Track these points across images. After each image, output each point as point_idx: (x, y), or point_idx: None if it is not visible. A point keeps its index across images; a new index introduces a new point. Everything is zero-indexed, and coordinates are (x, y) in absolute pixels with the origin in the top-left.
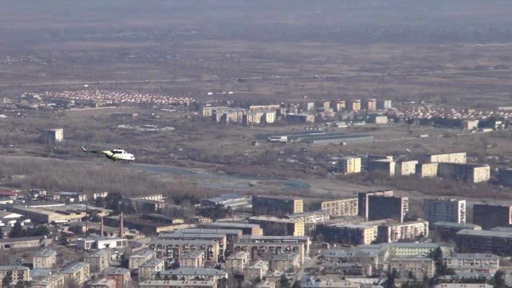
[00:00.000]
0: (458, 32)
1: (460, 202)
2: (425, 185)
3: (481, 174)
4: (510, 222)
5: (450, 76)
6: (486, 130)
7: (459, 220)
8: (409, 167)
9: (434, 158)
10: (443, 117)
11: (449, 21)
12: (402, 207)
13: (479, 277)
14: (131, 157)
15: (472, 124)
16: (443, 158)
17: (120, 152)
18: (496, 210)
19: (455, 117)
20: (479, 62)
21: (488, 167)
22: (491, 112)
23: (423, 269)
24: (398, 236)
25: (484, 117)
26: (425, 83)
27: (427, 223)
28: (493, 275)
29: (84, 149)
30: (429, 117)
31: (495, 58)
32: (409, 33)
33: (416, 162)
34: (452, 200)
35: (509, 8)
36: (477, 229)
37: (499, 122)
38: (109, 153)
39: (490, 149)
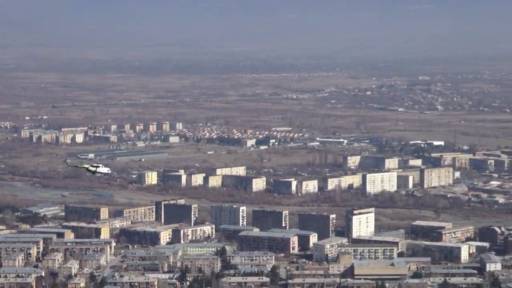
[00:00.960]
0: (237, 65)
1: (241, 208)
2: (211, 194)
3: (258, 184)
4: (283, 224)
5: (232, 102)
6: (262, 147)
7: (241, 223)
8: (198, 179)
9: (219, 171)
10: (226, 136)
11: (230, 55)
12: (193, 213)
13: (258, 271)
14: (108, 170)
15: (250, 142)
16: (226, 171)
17: (99, 166)
18: (271, 214)
19: (236, 136)
20: (256, 90)
21: (264, 178)
22: (266, 132)
23: (211, 265)
24: (189, 237)
25: (260, 136)
26: (210, 108)
27: (213, 226)
28: (269, 269)
29: (68, 164)
30: (214, 137)
31: (269, 86)
32: (196, 66)
33: (204, 174)
34: (234, 206)
35: (279, 45)
36: (256, 231)
37: (273, 140)
38: (90, 168)
39: (265, 163)
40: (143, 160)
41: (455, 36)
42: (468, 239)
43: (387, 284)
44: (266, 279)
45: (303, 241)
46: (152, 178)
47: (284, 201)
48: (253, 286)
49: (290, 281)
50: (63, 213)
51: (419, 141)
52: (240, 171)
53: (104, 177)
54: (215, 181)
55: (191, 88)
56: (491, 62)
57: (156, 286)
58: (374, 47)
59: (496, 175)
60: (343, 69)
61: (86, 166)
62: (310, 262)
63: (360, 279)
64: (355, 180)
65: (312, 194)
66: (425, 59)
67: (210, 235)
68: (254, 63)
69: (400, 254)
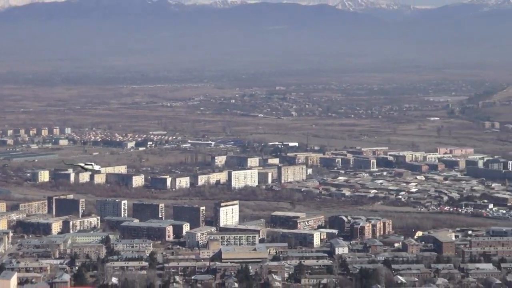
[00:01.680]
0: (118, 77)
1: (123, 202)
2: (97, 189)
3: (138, 181)
4: (160, 216)
5: (114, 109)
6: (141, 148)
7: (123, 215)
8: (85, 177)
9: (103, 170)
10: (109, 139)
11: (112, 69)
12: (80, 206)
13: (138, 256)
14: (99, 168)
15: (130, 144)
16: (110, 169)
17: (91, 164)
18: (149, 207)
19: (118, 139)
20: (135, 99)
21: (143, 176)
22: (144, 135)
23: (97, 251)
24: (78, 227)
25: (139, 139)
26: (95, 114)
27: (99, 217)
28: (148, 255)
29: (65, 162)
30: (99, 140)
31: (146, 96)
32: (82, 78)
33: (90, 173)
34: (117, 200)
35: (154, 60)
36: (136, 221)
37: (150, 143)
38: (83, 165)
39: (144, 162)
40: (36, 160)
41: (307, 52)
42: (319, 226)
43: (250, 266)
44: (145, 263)
45: (177, 230)
46: (44, 176)
47: (160, 195)
48: (133, 270)
49: (166, 265)
50: None
51: (277, 143)
52: (122, 169)
53: (1, 176)
54: (100, 179)
55: (78, 97)
56: (338, 74)
57: (48, 270)
58: (237, 61)
59: (343, 172)
60: (210, 80)
61: (81, 164)
62: (183, 248)
63: (227, 262)
64: (222, 176)
65: (184, 189)
66: (281, 72)
67: (96, 226)
68: (133, 75)
69: (261, 241)
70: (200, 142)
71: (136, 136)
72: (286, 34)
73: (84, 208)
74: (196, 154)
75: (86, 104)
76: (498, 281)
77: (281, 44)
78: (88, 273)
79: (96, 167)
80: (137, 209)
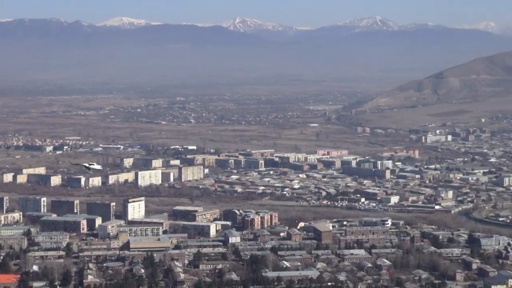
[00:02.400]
0: (38, 89)
1: (42, 199)
2: (19, 188)
3: (55, 180)
4: (75, 211)
5: (34, 118)
6: (58, 152)
7: (42, 210)
8: (8, 177)
9: (25, 171)
10: (30, 144)
11: (33, 82)
12: (4, 203)
13: (56, 246)
14: (100, 167)
15: (49, 148)
16: (30, 171)
17: (93, 164)
18: (66, 203)
19: (38, 144)
20: (52, 108)
21: (60, 176)
22: (61, 140)
23: (19, 243)
24: (2, 222)
25: (57, 144)
26: (18, 122)
27: (21, 213)
28: (65, 245)
29: (71, 162)
30: (21, 144)
31: (63, 105)
32: (6, 90)
33: (13, 173)
34: (37, 197)
35: (70, 74)
36: (54, 216)
37: (67, 147)
38: (87, 165)
39: (61, 164)
40: None
41: (203, 67)
42: (215, 219)
43: (155, 254)
44: (62, 253)
45: (91, 223)
46: None
47: (75, 193)
48: (52, 258)
49: (81, 254)
50: None
51: (178, 146)
52: (41, 170)
53: None
54: (22, 179)
55: (2, 107)
56: (230, 87)
57: None
58: (142, 75)
59: (235, 171)
60: (119, 92)
61: (86, 164)
62: (96, 239)
63: (135, 251)
64: (129, 176)
65: (97, 187)
66: (181, 85)
67: (19, 220)
68: (51, 88)
69: (165, 232)
70: (110, 146)
71: (54, 141)
72: (185, 52)
73: (8, 205)
74: (107, 157)
75: (9, 113)
76: (369, 265)
77: (181, 61)
78: (11, 262)
79: (97, 167)
80: (55, 205)
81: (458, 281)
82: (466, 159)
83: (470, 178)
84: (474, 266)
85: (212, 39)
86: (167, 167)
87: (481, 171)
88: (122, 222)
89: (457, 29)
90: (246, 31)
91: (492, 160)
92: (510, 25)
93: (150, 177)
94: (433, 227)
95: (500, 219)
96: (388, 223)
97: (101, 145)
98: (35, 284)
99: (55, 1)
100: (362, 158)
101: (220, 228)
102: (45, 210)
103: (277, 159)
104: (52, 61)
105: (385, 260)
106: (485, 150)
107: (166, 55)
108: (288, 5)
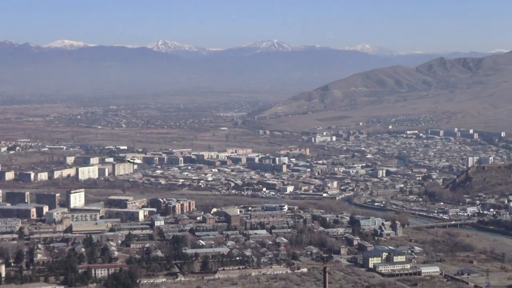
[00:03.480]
0: None
1: (0, 191)
2: None
3: (9, 175)
4: (26, 201)
5: None
6: (11, 152)
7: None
8: None
9: None
10: None
11: None
12: None
13: (10, 230)
14: (140, 161)
15: (3, 149)
16: None
17: (135, 159)
18: (18, 194)
19: None
20: (6, 116)
21: (13, 172)
22: (14, 142)
23: None
24: None
25: (10, 145)
26: None
27: None
28: (17, 229)
29: (115, 157)
30: None
31: (15, 113)
32: None
33: None
34: None
35: (20, 87)
36: (8, 205)
37: (18, 148)
38: (129, 159)
39: (14, 162)
40: None
41: (132, 81)
42: (143, 206)
43: (93, 236)
44: (15, 236)
45: (39, 211)
46: None
47: (26, 186)
48: (7, 241)
49: (31, 236)
50: None
51: (111, 146)
52: None
53: None
54: None
55: None
56: (154, 97)
57: None
58: (82, 88)
59: (159, 167)
60: (62, 102)
61: (128, 158)
62: (44, 224)
63: (76, 233)
64: (71, 171)
65: (44, 181)
66: (113, 96)
67: None
68: (5, 98)
69: (101, 217)
70: (55, 147)
71: (8, 143)
72: (117, 69)
73: None
74: (52, 156)
75: None
76: (270, 242)
77: (113, 76)
78: None
79: (138, 161)
80: (9, 196)
81: (342, 255)
82: (347, 155)
83: (351, 171)
84: (355, 243)
85: (139, 58)
86: (103, 163)
87: (360, 165)
88: (65, 209)
89: (339, 50)
90: (167, 51)
91: (369, 156)
92: (382, 47)
93: (88, 172)
94: (322, 211)
95: (375, 204)
96: (285, 208)
97: (47, 146)
98: None
99: (8, 26)
100: (263, 155)
101: (147, 213)
102: (1, 200)
103: (193, 156)
104: (5, 76)
105: (283, 238)
106: (363, 148)
107: (101, 71)
108: (201, 30)
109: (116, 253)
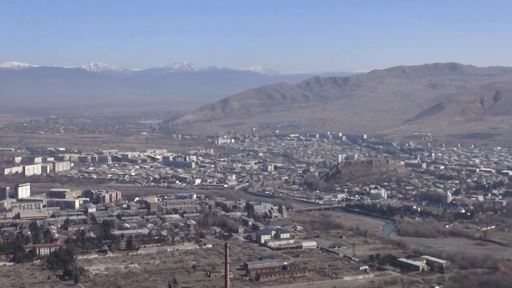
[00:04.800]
0: None
1: None
2: None
3: None
4: None
5: None
6: None
7: None
8: None
9: None
10: None
11: None
12: None
13: None
14: (160, 157)
15: None
16: None
17: (156, 155)
18: None
19: None
20: None
21: None
22: None
23: None
24: None
25: None
26: None
27: None
28: None
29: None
30: None
31: None
32: None
33: None
34: None
35: None
36: None
37: None
38: (152, 155)
39: None
40: None
41: (70, 95)
42: (78, 196)
43: (37, 221)
44: None
45: None
46: None
47: None
48: None
49: None
50: None
51: (52, 148)
52: None
53: None
54: None
55: None
56: (88, 108)
57: None
58: (28, 101)
59: (92, 164)
60: (11, 112)
61: (151, 155)
62: None
63: (23, 220)
64: (19, 169)
65: None
66: (54, 107)
67: None
68: None
69: (44, 206)
70: (5, 149)
71: None
72: (57, 85)
73: None
74: (3, 156)
75: None
76: (182, 224)
77: (54, 91)
78: None
79: (158, 157)
80: None
81: (239, 233)
82: (243, 154)
83: (246, 166)
84: (250, 223)
85: (75, 76)
86: (45, 162)
87: (253, 161)
88: (14, 200)
89: (236, 70)
90: (98, 71)
91: (260, 154)
92: (270, 68)
93: (33, 169)
94: (223, 198)
95: (266, 192)
96: (194, 197)
97: None
98: None
99: None
100: (176, 155)
101: (82, 202)
102: None
103: (120, 156)
104: None
105: (192, 221)
106: (256, 148)
107: (43, 87)
108: (125, 53)
109: (57, 235)
